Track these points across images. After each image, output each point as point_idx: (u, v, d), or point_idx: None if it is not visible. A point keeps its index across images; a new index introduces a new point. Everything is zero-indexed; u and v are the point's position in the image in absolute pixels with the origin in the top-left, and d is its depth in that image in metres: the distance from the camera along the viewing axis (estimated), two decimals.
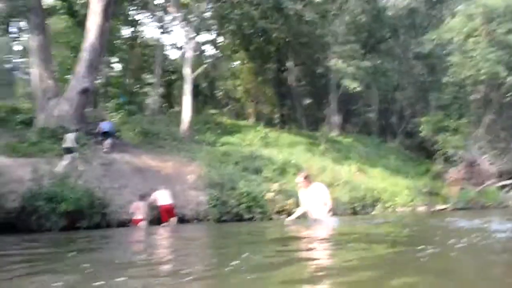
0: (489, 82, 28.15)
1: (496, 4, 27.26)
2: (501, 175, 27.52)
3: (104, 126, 18.21)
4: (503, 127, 31.00)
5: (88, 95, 19.00)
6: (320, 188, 9.19)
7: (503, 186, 26.98)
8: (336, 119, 36.71)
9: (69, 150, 14.59)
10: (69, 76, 27.98)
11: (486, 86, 28.91)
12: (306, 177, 9.38)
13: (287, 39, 31.52)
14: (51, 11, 26.49)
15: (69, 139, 14.83)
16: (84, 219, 12.09)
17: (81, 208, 11.89)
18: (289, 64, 38.45)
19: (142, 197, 13.64)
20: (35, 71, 18.58)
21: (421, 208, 23.51)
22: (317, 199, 9.05)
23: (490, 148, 28.30)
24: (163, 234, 10.09)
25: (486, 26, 27.43)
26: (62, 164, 14.10)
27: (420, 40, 34.68)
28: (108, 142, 17.39)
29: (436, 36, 30.03)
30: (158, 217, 13.84)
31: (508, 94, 28.26)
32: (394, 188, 24.22)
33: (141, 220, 13.28)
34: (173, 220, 13.97)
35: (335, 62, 29.27)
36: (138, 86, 38.22)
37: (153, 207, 13.88)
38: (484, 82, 28.11)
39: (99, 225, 12.37)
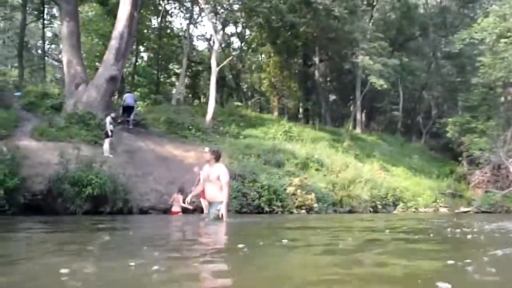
0: None
1: None
2: None
3: (128, 99, 19.68)
4: None
5: (116, 83, 19.27)
6: (222, 170, 8.25)
7: None
8: (361, 116, 36.44)
9: (107, 134, 15.08)
10: (97, 63, 28.51)
11: None
12: (214, 153, 8.42)
13: (314, 34, 31.40)
14: None
15: (107, 122, 15.26)
16: (107, 204, 12.31)
17: (104, 193, 12.11)
18: (316, 59, 38.29)
19: (181, 190, 13.59)
20: (65, 58, 18.95)
21: (444, 209, 23.23)
22: (216, 181, 8.18)
23: None
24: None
25: None
26: (105, 149, 14.68)
27: (450, 39, 34.10)
28: (131, 118, 19.13)
29: (467, 35, 29.46)
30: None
31: None
32: (416, 188, 24.00)
33: (178, 212, 13.41)
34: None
35: (362, 59, 29.01)
36: (165, 75, 38.59)
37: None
38: None
39: (121, 211, 12.58)
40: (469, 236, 6.12)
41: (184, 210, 13.37)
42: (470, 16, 37.48)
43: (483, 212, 22.86)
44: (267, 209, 15.82)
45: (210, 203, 8.69)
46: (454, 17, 38.94)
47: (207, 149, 8.71)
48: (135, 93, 29.84)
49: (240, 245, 4.20)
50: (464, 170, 28.98)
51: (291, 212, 16.29)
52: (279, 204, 16.16)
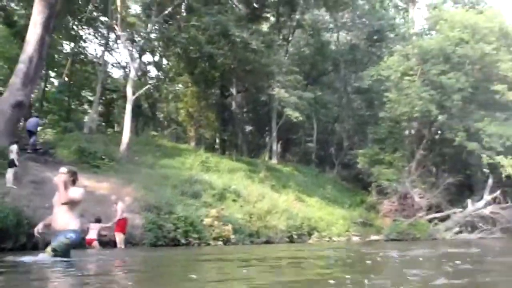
0: (422, 119, 29.60)
1: (430, 46, 28.96)
2: (430, 208, 28.74)
3: (29, 124, 19.35)
4: (434, 163, 32.62)
5: (22, 109, 18.15)
6: (77, 194, 7.02)
7: (432, 219, 28.11)
8: (277, 147, 37.13)
9: (11, 163, 14.03)
10: (1, 87, 26.78)
11: (419, 122, 30.41)
12: (74, 175, 7.21)
13: (232, 66, 31.79)
14: None
15: (13, 151, 14.22)
16: (10, 240, 11.35)
17: (6, 227, 11.17)
18: (233, 90, 38.73)
19: (98, 220, 13.50)
20: None
21: (356, 238, 24.01)
22: (69, 205, 6.94)
23: (421, 182, 29.56)
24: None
25: (421, 66, 28.98)
26: (8, 179, 13.66)
27: (360, 75, 36.11)
28: (31, 142, 18.57)
29: (375, 72, 31.41)
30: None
31: (439, 132, 29.82)
32: (330, 218, 24.68)
33: (94, 240, 13.11)
34: (122, 237, 13.63)
35: (278, 91, 29.76)
36: (76, 103, 37.04)
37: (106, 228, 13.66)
38: (418, 119, 29.55)
39: (25, 246, 11.64)
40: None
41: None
42: (377, 54, 39.97)
43: (392, 240, 23.93)
44: (183, 241, 15.45)
45: (58, 232, 6.96)
46: (363, 55, 41.31)
47: (64, 169, 7.22)
48: (44, 119, 28.46)
49: None
50: (373, 199, 30.30)
51: (208, 244, 16.03)
52: (196, 235, 15.86)
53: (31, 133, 19.34)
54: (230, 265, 8.01)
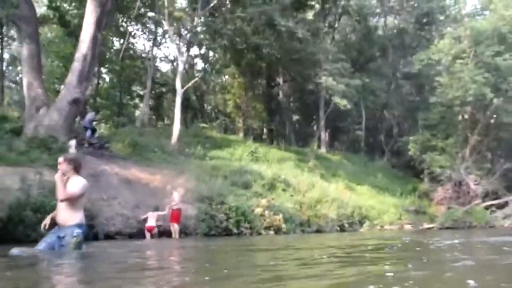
0: (475, 103, 28.57)
1: (483, 27, 27.84)
2: (486, 195, 27.79)
3: (86, 119, 20.75)
4: (489, 148, 31.44)
5: (79, 106, 18.87)
6: (79, 183, 6.58)
7: (488, 207, 27.22)
8: (325, 136, 36.89)
9: None
10: (57, 85, 27.93)
11: (473, 107, 29.35)
12: (72, 162, 6.72)
13: (278, 56, 31.74)
14: (42, 20, 26.43)
15: (71, 146, 14.90)
16: None
17: None
18: (279, 80, 38.71)
19: (156, 209, 14.05)
20: (25, 80, 18.44)
21: (408, 226, 23.61)
22: (72, 199, 6.56)
23: (476, 168, 28.61)
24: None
25: (474, 48, 27.94)
26: None
27: (409, 60, 35.19)
28: (87, 136, 19.78)
29: (425, 56, 30.50)
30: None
31: (494, 116, 28.70)
32: (381, 206, 24.35)
33: (153, 227, 13.64)
34: (177, 228, 14.11)
35: (325, 79, 29.51)
36: (128, 97, 38.15)
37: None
38: (471, 103, 28.54)
39: (86, 237, 12.18)
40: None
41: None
42: (427, 38, 38.77)
43: (446, 228, 23.37)
44: (235, 231, 15.67)
45: (61, 228, 6.61)
46: (412, 39, 40.21)
47: (61, 158, 6.72)
48: (100, 113, 29.68)
49: None
50: (426, 187, 29.62)
51: (260, 233, 16.20)
52: (248, 225, 16.03)
53: (87, 128, 20.50)
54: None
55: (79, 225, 6.63)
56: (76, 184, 6.53)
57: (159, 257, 7.81)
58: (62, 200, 6.48)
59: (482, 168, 28.81)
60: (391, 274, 4.26)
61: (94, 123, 22.33)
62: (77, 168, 6.71)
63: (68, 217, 6.55)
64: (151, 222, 13.68)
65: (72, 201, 6.53)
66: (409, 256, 7.14)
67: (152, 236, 13.56)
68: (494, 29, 27.24)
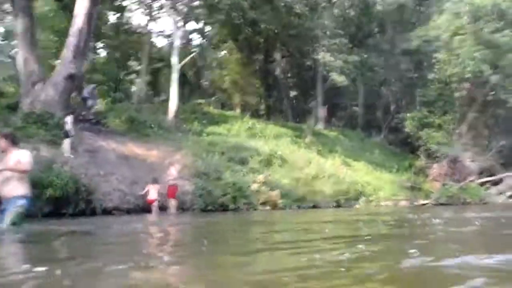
0: (473, 80, 28.49)
1: (483, 3, 27.55)
2: (481, 172, 27.98)
3: (85, 90, 20.12)
4: (486, 125, 31.50)
5: (75, 81, 18.73)
6: (24, 155, 6.53)
7: (483, 183, 27.43)
8: (322, 112, 36.84)
9: (66, 134, 14.59)
10: (52, 60, 27.63)
11: (471, 83, 29.27)
12: (7, 137, 6.69)
13: (276, 31, 31.46)
14: None
15: (67, 122, 14.81)
16: (69, 206, 12.01)
17: (66, 194, 11.80)
18: (277, 55, 38.43)
19: (155, 181, 14.06)
20: (20, 55, 18.24)
21: (404, 203, 23.80)
22: (15, 170, 6.41)
23: (473, 145, 28.72)
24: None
25: (473, 25, 27.72)
26: (66, 149, 14.17)
27: (407, 36, 34.90)
28: (88, 105, 19.51)
29: (423, 32, 30.29)
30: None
31: (492, 93, 28.67)
32: (377, 182, 24.50)
33: (155, 200, 13.76)
34: (174, 203, 14.22)
35: (323, 55, 29.35)
36: (124, 73, 37.86)
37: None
38: (469, 80, 28.46)
39: (84, 212, 12.29)
40: None
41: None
42: (426, 13, 38.37)
43: (441, 204, 23.57)
44: (232, 206, 15.81)
45: (7, 200, 6.48)
46: (411, 15, 39.78)
47: None
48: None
49: None
50: (422, 163, 29.72)
51: (256, 209, 16.35)
52: (244, 201, 16.19)
53: (86, 99, 19.84)
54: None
55: (24, 197, 6.53)
56: (24, 156, 6.51)
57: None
58: (7, 170, 6.37)
59: (479, 145, 28.94)
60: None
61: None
62: (14, 141, 6.69)
63: (15, 187, 6.45)
64: (152, 195, 13.77)
65: (19, 171, 6.43)
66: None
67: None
68: (494, 5, 26.99)
